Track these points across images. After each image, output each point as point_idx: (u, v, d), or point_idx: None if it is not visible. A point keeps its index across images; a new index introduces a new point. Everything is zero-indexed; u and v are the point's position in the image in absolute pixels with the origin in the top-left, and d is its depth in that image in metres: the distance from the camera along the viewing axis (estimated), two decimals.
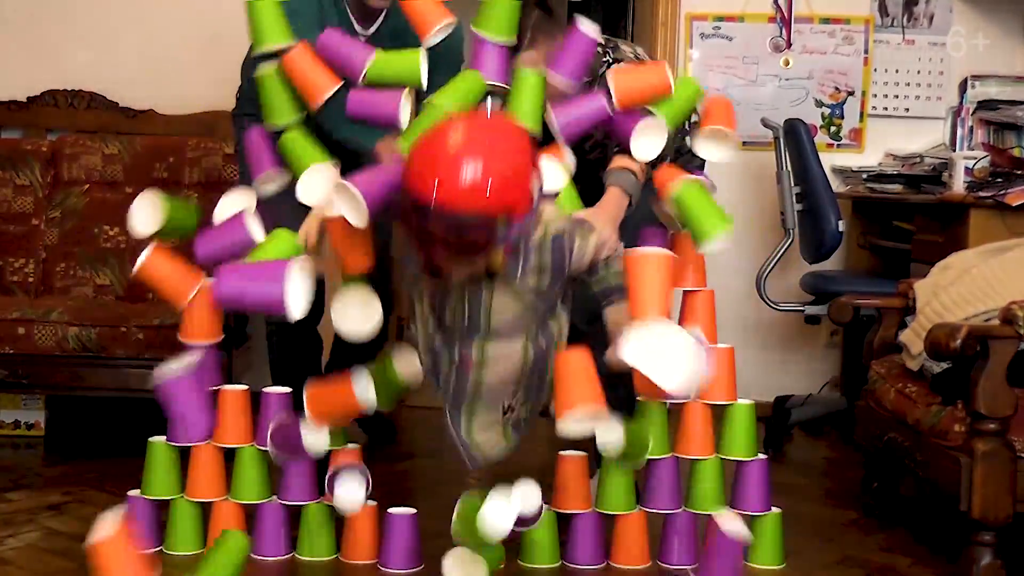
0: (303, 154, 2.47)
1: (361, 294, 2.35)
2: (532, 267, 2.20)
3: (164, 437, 2.53)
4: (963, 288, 2.70)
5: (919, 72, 4.29)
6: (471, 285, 2.19)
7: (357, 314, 2.35)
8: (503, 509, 2.13)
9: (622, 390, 2.52)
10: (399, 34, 2.68)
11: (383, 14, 2.81)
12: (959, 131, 4.24)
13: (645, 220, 2.59)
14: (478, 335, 2.23)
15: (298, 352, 2.93)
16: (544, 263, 2.20)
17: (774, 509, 2.57)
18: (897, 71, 4.29)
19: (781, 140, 3.85)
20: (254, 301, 2.27)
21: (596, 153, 2.73)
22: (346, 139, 2.61)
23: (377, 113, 2.44)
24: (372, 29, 2.80)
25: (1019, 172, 3.61)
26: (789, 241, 3.81)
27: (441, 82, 2.50)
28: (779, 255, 3.82)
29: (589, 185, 2.67)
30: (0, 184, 3.85)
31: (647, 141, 2.50)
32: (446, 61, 2.63)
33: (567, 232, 2.22)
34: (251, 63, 2.94)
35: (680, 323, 2.56)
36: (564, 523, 2.52)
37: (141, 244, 2.46)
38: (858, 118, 4.30)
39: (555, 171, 2.44)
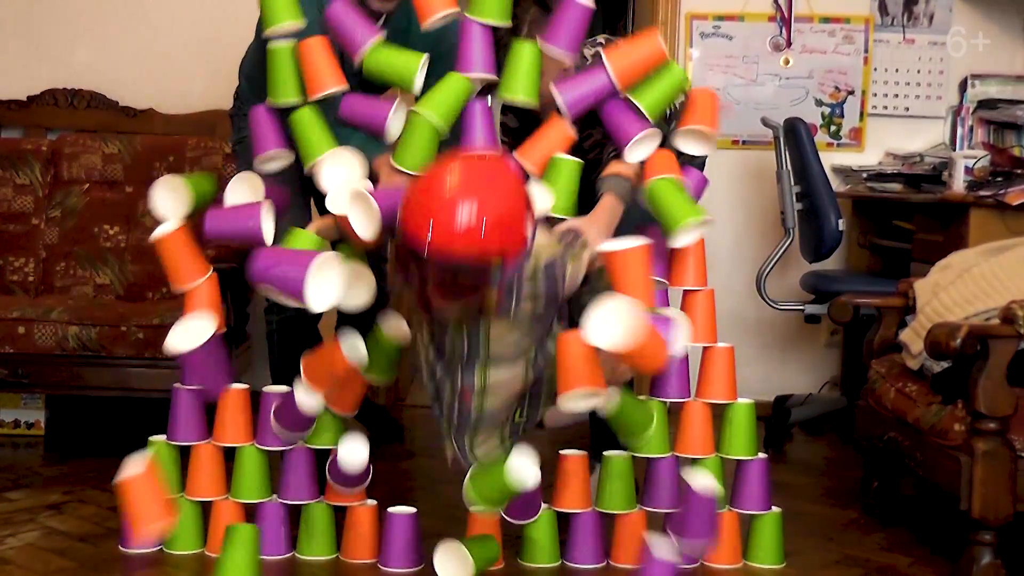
0: (318, 137, 2.45)
1: (354, 267, 2.33)
2: (526, 296, 2.21)
3: (164, 436, 2.53)
4: (963, 287, 2.70)
5: (919, 71, 4.29)
6: (468, 317, 2.20)
7: (350, 287, 2.32)
8: (528, 463, 2.21)
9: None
10: (400, 35, 2.67)
11: (383, 17, 2.79)
12: (959, 130, 4.24)
13: (646, 218, 2.59)
14: (479, 362, 2.24)
15: (298, 351, 2.92)
16: (538, 291, 2.21)
17: (774, 509, 2.56)
18: (897, 70, 4.29)
19: (781, 139, 3.84)
20: (281, 283, 2.24)
21: (594, 153, 2.73)
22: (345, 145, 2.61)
23: (367, 120, 2.43)
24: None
25: (1019, 171, 3.61)
26: (789, 240, 3.81)
27: (440, 72, 2.51)
28: (779, 254, 3.82)
29: (584, 184, 2.68)
30: (0, 184, 3.85)
31: (643, 150, 2.50)
32: (447, 61, 2.63)
33: (558, 258, 2.22)
34: (250, 62, 2.94)
35: None
36: (564, 522, 2.52)
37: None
38: (858, 117, 4.30)
39: (543, 194, 2.41)
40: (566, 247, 2.26)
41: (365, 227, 2.24)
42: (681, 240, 2.42)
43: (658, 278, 2.47)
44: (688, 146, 2.56)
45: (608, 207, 2.50)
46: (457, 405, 2.28)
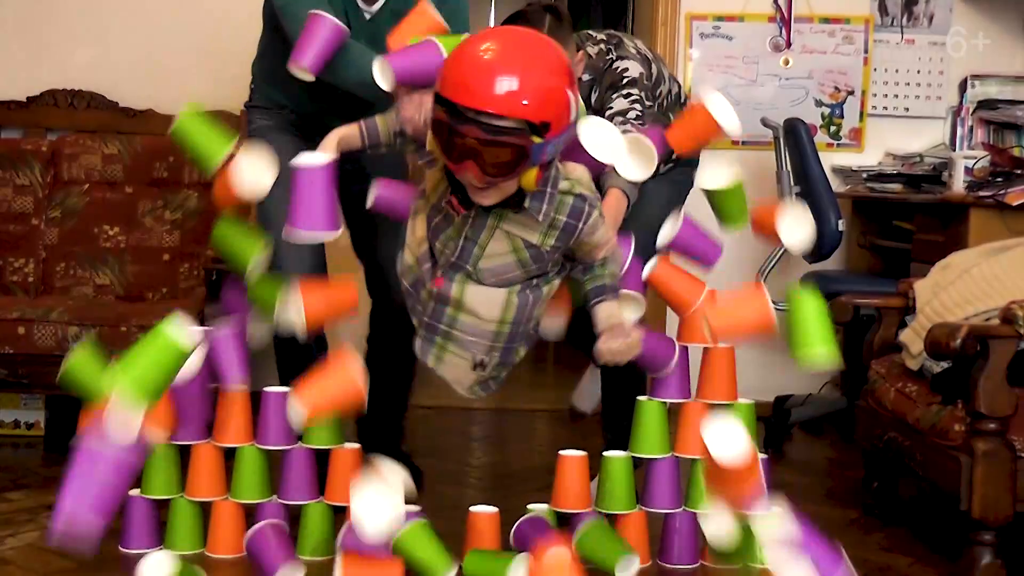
0: (271, 292, 2.42)
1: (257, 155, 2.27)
2: (547, 221, 2.16)
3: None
4: (963, 287, 2.70)
5: (919, 72, 4.29)
6: (475, 220, 2.16)
7: (254, 170, 2.26)
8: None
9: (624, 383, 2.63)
10: (401, 14, 2.65)
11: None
12: (959, 131, 4.24)
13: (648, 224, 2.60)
14: (462, 272, 2.21)
15: (304, 355, 2.89)
16: (558, 221, 2.17)
17: (774, 509, 2.56)
18: (897, 71, 4.29)
19: (781, 140, 3.85)
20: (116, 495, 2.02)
21: None
22: (359, 84, 2.55)
23: (425, 68, 2.33)
24: (376, 7, 2.74)
25: (1019, 172, 3.61)
26: None
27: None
28: (779, 255, 3.82)
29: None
30: (0, 184, 3.85)
31: (638, 162, 2.42)
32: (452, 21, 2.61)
33: (590, 200, 2.20)
34: (261, 49, 2.93)
35: (681, 324, 2.58)
36: (564, 523, 2.51)
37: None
38: (858, 118, 4.30)
39: (623, 162, 2.38)
40: (597, 200, 2.25)
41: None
42: (800, 359, 2.36)
43: (634, 292, 2.46)
44: (793, 235, 2.52)
45: (614, 201, 2.51)
46: (433, 304, 2.25)
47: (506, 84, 1.93)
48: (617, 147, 2.32)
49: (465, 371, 2.28)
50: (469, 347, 2.25)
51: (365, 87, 2.51)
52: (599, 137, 2.31)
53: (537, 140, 1.97)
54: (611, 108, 2.71)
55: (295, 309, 2.33)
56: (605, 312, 2.25)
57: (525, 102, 1.94)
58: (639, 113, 2.71)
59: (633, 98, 2.73)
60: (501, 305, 2.22)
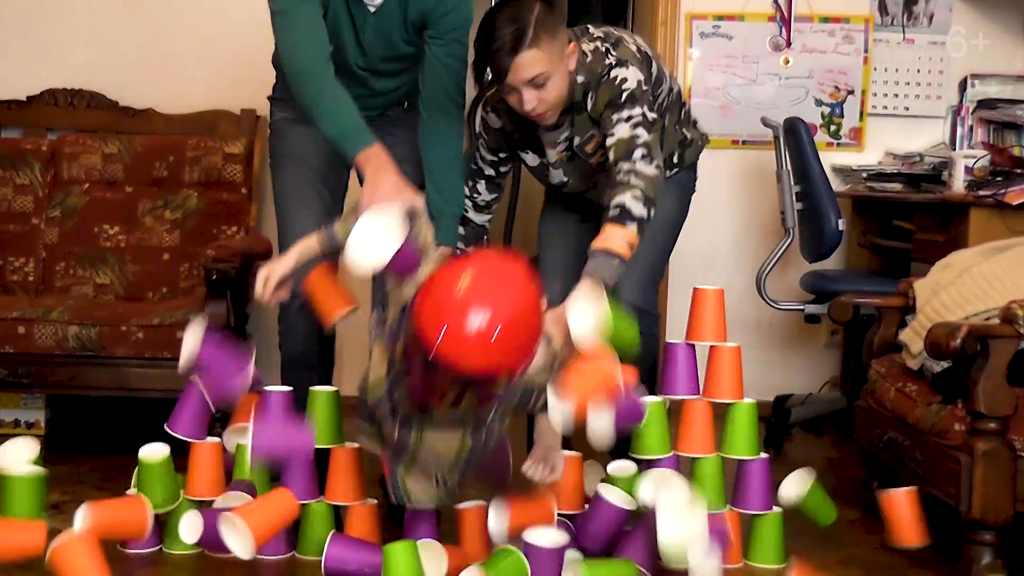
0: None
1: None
2: (502, 409, 2.22)
3: (154, 452, 2.46)
4: (963, 287, 2.70)
5: (919, 71, 4.29)
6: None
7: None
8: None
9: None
10: (407, 4, 2.59)
11: None
12: (959, 130, 4.24)
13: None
14: (418, 421, 2.22)
15: (308, 358, 2.88)
16: (508, 406, 2.22)
17: (775, 508, 2.57)
18: (897, 70, 4.29)
19: (781, 139, 3.84)
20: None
21: (596, 157, 2.69)
22: (330, 139, 2.54)
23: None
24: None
25: (1019, 171, 3.61)
26: (789, 240, 3.81)
27: (442, 32, 2.54)
28: (779, 254, 3.82)
29: (592, 187, 2.65)
30: (0, 183, 3.85)
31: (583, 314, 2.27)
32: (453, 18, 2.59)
33: (537, 392, 2.20)
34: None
35: (691, 320, 2.58)
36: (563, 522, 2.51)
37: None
38: (858, 117, 4.30)
39: (581, 315, 2.25)
40: (551, 377, 2.18)
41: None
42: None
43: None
44: None
45: (586, 291, 2.38)
46: (394, 439, 2.26)
47: (483, 351, 1.92)
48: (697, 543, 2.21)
49: (429, 484, 2.31)
50: (431, 470, 2.29)
51: (336, 144, 2.51)
52: (678, 525, 2.21)
53: (503, 382, 2.07)
54: (612, 135, 2.51)
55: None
56: (543, 425, 2.30)
57: (501, 367, 1.98)
58: (645, 152, 2.48)
59: (635, 121, 2.51)
60: (457, 446, 2.26)
